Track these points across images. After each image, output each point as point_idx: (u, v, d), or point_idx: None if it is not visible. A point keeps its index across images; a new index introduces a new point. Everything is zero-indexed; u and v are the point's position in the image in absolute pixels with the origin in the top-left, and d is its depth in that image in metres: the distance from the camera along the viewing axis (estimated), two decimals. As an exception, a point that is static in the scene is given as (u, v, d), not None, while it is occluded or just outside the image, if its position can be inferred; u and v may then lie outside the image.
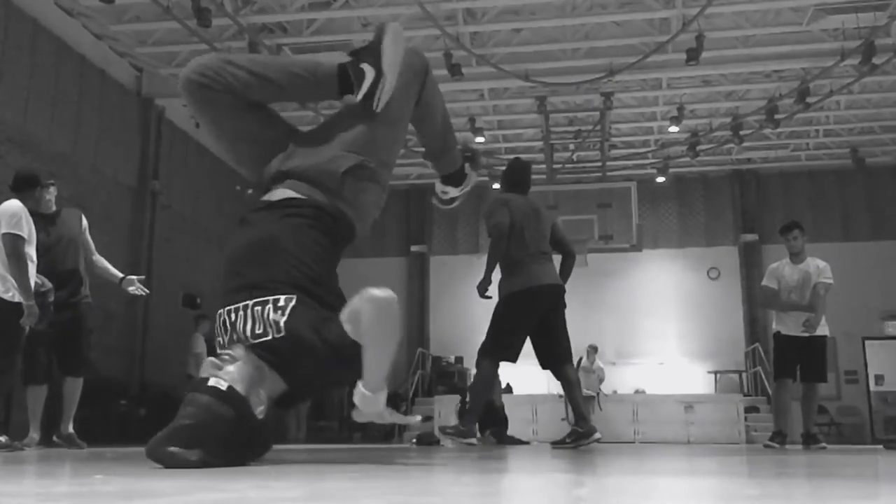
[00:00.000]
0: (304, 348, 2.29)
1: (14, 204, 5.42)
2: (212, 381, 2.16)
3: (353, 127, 2.76)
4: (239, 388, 2.18)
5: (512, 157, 16.22)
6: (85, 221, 6.17)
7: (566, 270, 5.90)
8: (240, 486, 1.56)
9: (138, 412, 11.10)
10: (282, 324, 2.31)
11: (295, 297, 2.36)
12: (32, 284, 5.37)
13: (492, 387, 5.81)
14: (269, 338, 2.31)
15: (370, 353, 2.31)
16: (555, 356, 5.56)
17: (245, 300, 2.38)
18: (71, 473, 2.24)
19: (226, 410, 2.12)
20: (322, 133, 2.86)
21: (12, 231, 5.28)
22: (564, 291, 5.70)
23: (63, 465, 2.94)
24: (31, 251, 5.41)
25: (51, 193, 5.94)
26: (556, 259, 5.91)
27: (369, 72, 2.74)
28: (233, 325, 2.37)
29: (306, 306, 2.36)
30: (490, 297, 5.57)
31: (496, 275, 5.59)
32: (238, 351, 2.31)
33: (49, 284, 5.63)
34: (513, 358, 5.61)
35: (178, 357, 11.80)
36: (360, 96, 2.72)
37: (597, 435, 5.45)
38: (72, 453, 4.64)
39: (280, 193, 2.67)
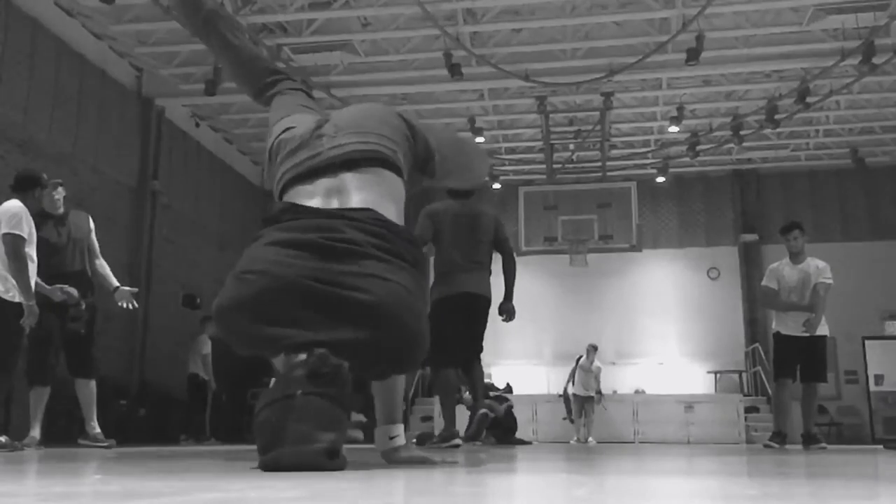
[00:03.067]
0: None
1: (15, 204, 5.42)
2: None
3: None
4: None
5: (511, 157, 16.36)
6: (92, 223, 6.19)
7: (508, 271, 5.94)
8: (240, 486, 1.56)
9: (138, 412, 11.11)
10: None
11: None
12: (33, 284, 5.38)
13: (452, 389, 5.89)
14: None
15: (399, 393, 2.45)
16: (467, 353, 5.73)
17: None
18: (71, 473, 2.24)
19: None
20: None
21: (13, 231, 5.29)
22: (487, 302, 5.78)
23: (63, 465, 2.94)
24: (31, 251, 5.42)
25: (59, 194, 5.96)
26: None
27: None
28: None
29: None
30: None
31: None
32: None
33: (76, 297, 5.68)
34: (457, 363, 5.67)
35: (178, 357, 11.81)
36: None
37: (456, 441, 5.60)
38: (71, 453, 4.64)
39: None
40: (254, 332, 2.05)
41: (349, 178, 2.31)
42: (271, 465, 1.83)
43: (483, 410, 5.75)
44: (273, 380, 2.00)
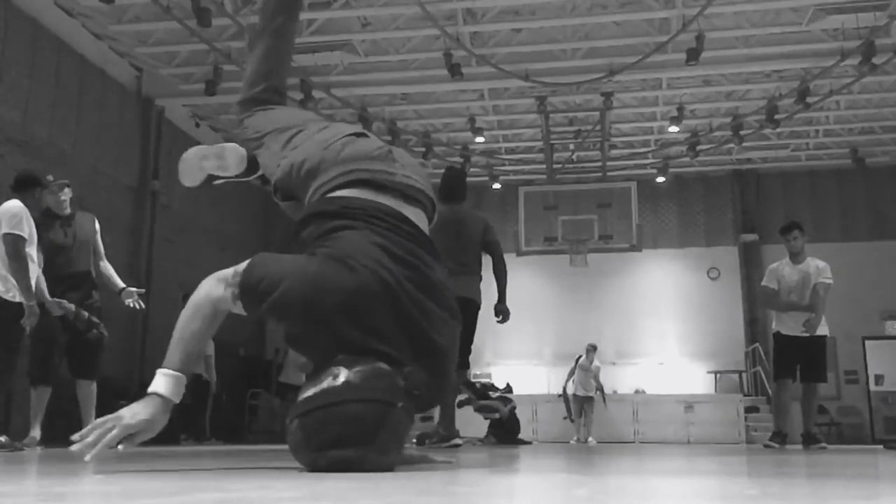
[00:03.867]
0: None
1: (15, 204, 5.43)
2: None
3: None
4: None
5: (511, 157, 16.36)
6: (97, 225, 6.19)
7: (498, 274, 5.95)
8: (240, 487, 1.56)
9: (138, 412, 11.09)
10: None
11: None
12: (33, 284, 5.38)
13: (453, 391, 5.90)
14: None
15: None
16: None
17: None
18: (71, 473, 2.24)
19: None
20: None
21: (13, 231, 5.29)
22: (476, 306, 5.76)
23: (63, 465, 2.93)
24: (31, 251, 5.43)
25: (66, 195, 5.97)
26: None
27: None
28: None
29: None
30: None
31: None
32: None
33: (73, 311, 5.69)
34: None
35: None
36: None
37: (457, 440, 5.62)
38: (71, 453, 4.63)
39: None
40: (328, 319, 1.96)
41: (406, 210, 2.31)
42: (357, 463, 1.79)
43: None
44: (338, 372, 1.87)
